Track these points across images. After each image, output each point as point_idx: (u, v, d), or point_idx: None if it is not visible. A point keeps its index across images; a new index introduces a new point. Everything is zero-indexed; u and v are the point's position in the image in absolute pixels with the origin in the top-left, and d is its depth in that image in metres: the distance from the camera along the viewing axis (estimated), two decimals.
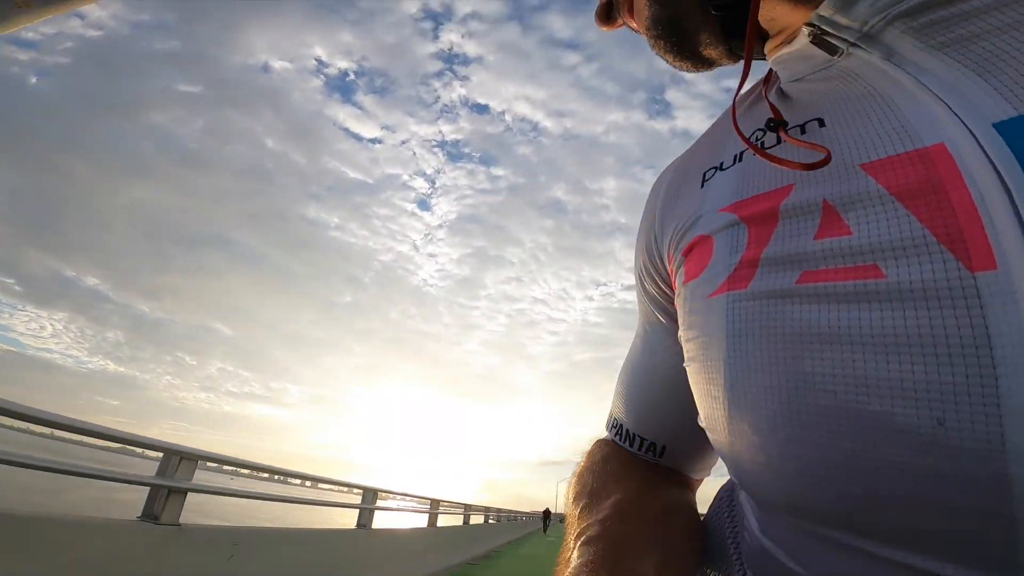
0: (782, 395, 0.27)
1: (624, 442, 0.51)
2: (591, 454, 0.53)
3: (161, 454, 3.24)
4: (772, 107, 0.35)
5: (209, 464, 3.59)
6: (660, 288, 0.46)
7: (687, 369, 0.37)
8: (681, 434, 0.47)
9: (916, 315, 0.23)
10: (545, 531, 30.54)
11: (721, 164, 0.39)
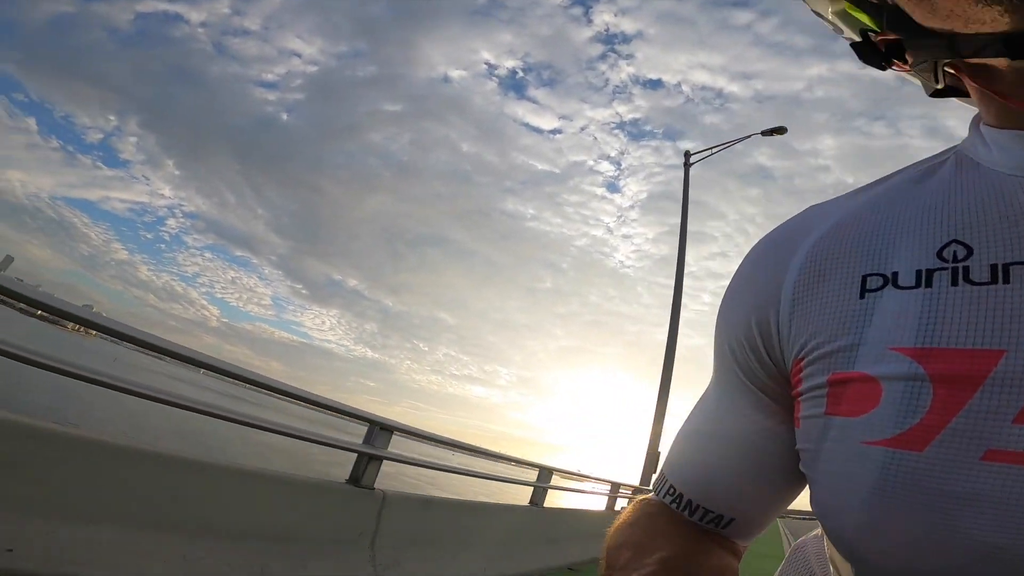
0: (927, 541, 0.28)
1: (683, 511, 0.45)
2: (636, 509, 0.49)
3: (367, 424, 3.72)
4: None
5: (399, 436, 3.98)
6: (761, 364, 0.41)
7: (804, 470, 0.37)
8: (753, 508, 0.45)
9: None
10: None
11: (895, 277, 0.33)
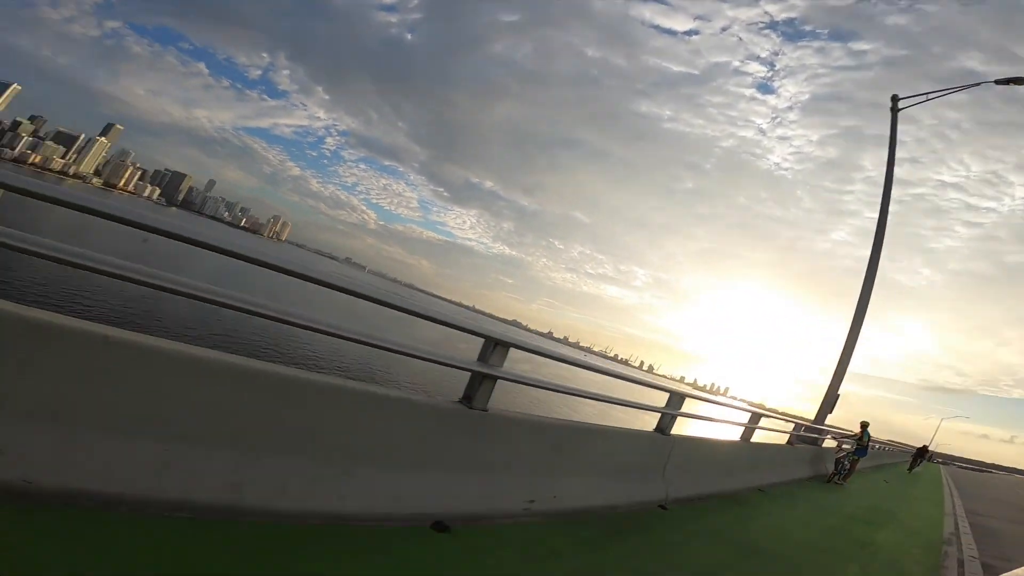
0: None
1: None
2: None
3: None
4: None
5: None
6: None
7: None
8: None
9: None
10: (911, 470, 24.92)
11: None
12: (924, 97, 13.69)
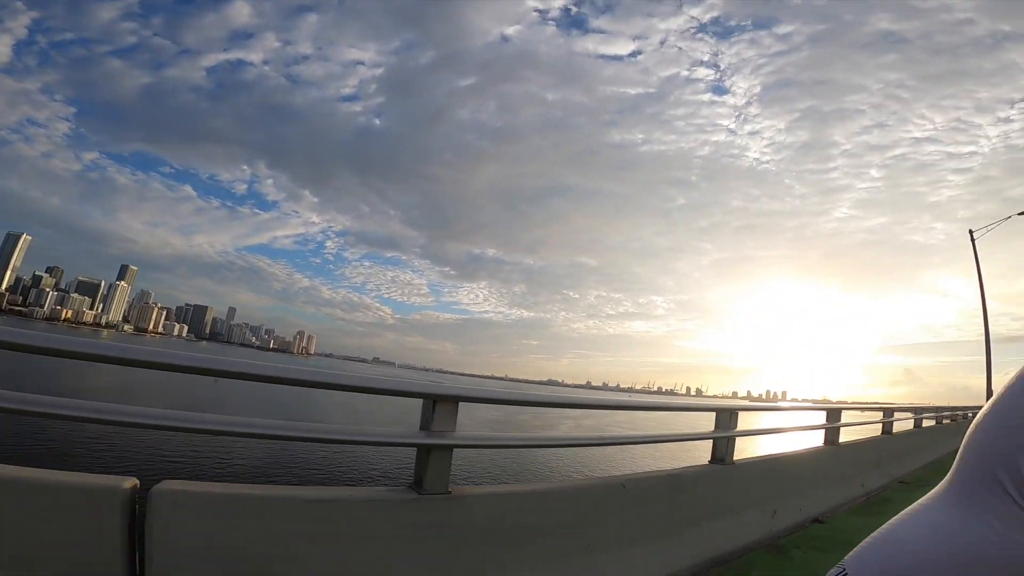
0: None
1: None
2: None
3: None
4: None
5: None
6: None
7: None
8: None
9: None
10: None
11: None
12: (996, 224, 17.42)
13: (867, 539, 0.54)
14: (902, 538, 0.52)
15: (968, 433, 0.54)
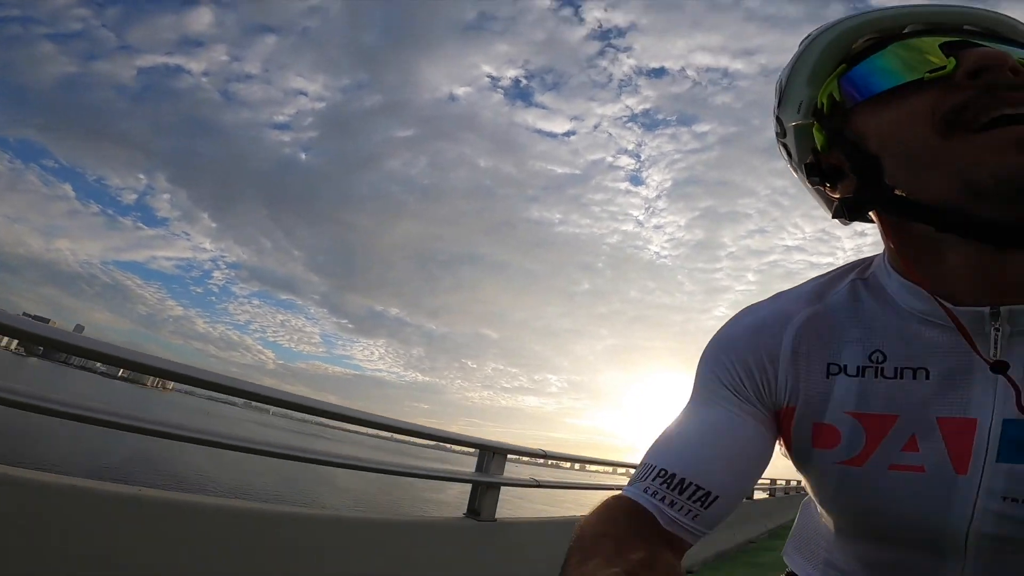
0: (856, 511, 0.61)
1: (672, 490, 0.56)
2: (610, 507, 0.57)
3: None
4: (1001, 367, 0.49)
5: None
6: (758, 396, 0.62)
7: (800, 471, 0.66)
8: (733, 489, 0.59)
9: (935, 483, 0.52)
10: None
11: (845, 368, 0.58)
12: None
13: (665, 437, 0.62)
14: (690, 426, 0.62)
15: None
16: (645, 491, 0.57)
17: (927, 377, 0.53)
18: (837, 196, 0.61)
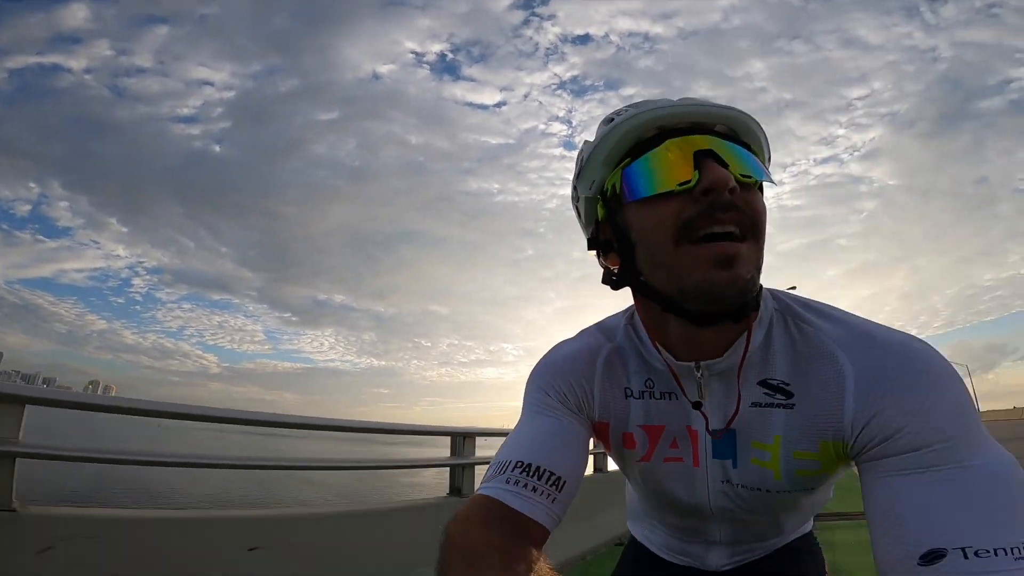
0: (651, 491, 0.88)
1: (532, 477, 0.67)
2: (479, 510, 0.65)
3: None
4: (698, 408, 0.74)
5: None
6: (579, 411, 0.79)
7: (619, 466, 0.92)
8: (575, 478, 0.71)
9: (687, 472, 0.79)
10: None
11: (634, 392, 0.80)
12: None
13: (514, 439, 0.75)
14: (533, 430, 0.76)
15: None
16: (507, 482, 0.67)
17: (677, 398, 0.76)
18: (607, 265, 0.75)
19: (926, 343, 0.63)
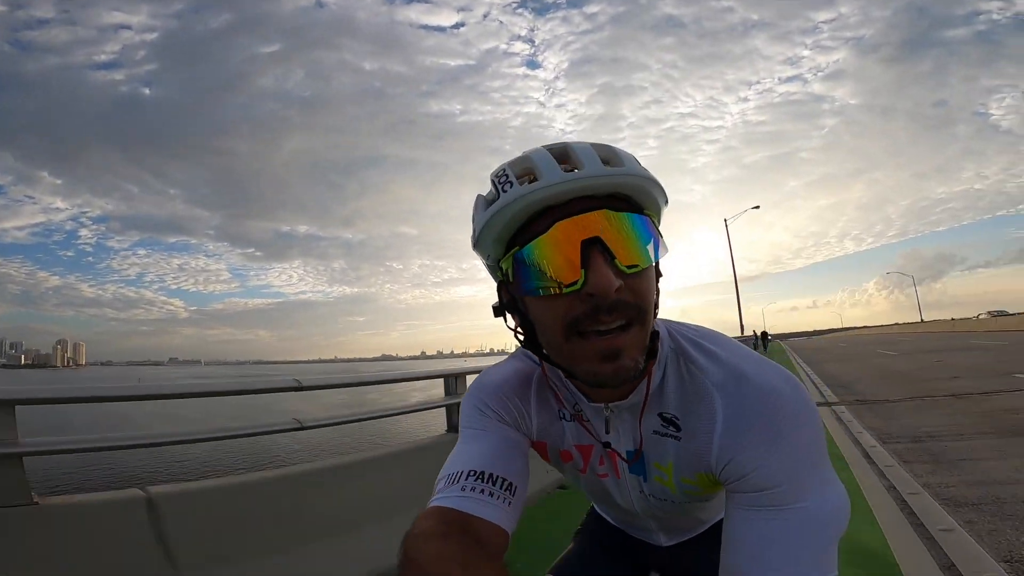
0: (591, 493, 0.99)
1: (487, 483, 0.71)
2: (436, 522, 0.66)
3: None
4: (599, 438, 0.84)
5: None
6: (515, 424, 0.85)
7: (564, 474, 0.95)
8: (524, 485, 0.76)
9: (615, 483, 0.88)
10: (766, 348, 30.82)
11: (565, 415, 0.85)
12: (743, 213, 30.58)
13: (460, 455, 0.78)
14: (482, 447, 0.79)
15: None
16: (463, 490, 0.69)
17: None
18: (513, 328, 0.78)
19: (794, 383, 0.69)
